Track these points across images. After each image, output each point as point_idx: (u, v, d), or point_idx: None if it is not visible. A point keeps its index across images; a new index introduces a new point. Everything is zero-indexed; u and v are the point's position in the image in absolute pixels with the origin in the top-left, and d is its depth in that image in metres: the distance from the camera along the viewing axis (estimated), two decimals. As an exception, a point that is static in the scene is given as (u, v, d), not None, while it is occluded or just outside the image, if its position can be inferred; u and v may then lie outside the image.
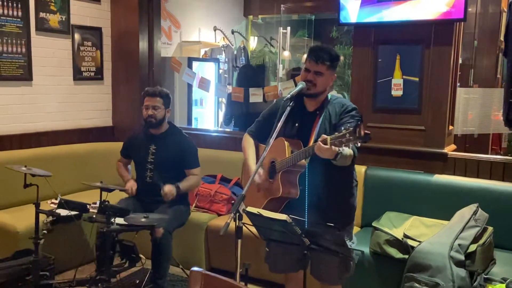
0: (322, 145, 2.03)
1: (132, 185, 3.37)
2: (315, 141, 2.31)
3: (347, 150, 2.09)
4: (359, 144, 1.95)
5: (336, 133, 2.01)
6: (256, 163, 2.46)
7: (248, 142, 2.68)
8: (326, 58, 2.35)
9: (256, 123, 2.71)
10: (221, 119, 6.31)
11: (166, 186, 3.16)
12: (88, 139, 4.65)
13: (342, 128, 1.99)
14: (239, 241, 2.08)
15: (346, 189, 2.48)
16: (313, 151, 2.15)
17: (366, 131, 1.92)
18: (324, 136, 2.07)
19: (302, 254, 1.96)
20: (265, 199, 2.47)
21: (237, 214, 2.04)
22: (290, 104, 2.33)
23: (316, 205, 2.38)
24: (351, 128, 1.93)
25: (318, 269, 2.47)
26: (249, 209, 2.04)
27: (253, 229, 2.15)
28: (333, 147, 2.00)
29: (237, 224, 2.06)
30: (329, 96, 2.47)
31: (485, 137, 4.87)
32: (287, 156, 2.35)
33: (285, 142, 2.39)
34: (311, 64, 2.37)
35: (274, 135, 2.25)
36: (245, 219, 2.10)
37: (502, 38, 4.27)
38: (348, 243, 2.45)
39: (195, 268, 1.50)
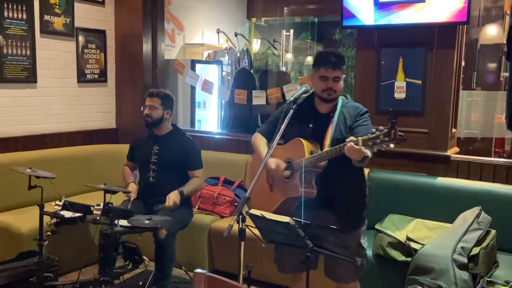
0: (355, 146, 2.04)
1: (133, 187, 3.38)
2: (332, 142, 2.34)
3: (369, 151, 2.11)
4: (392, 146, 1.94)
5: (368, 134, 2.02)
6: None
7: (259, 138, 2.67)
8: (341, 62, 2.39)
9: (267, 124, 2.71)
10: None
11: (169, 197, 3.16)
12: (92, 141, 4.68)
13: (375, 129, 1.98)
14: (242, 243, 2.09)
15: (360, 189, 2.51)
16: (340, 152, 2.16)
17: (400, 133, 1.91)
18: (353, 138, 2.08)
19: (305, 256, 1.97)
20: (280, 198, 2.46)
21: (240, 216, 2.05)
22: (293, 107, 2.34)
23: (329, 204, 2.39)
24: (386, 130, 1.93)
25: (332, 270, 2.48)
26: (252, 211, 2.05)
27: (256, 231, 2.16)
28: (363, 148, 2.00)
29: (240, 226, 2.07)
30: (341, 100, 2.49)
31: (488, 140, 4.87)
32: (306, 156, 2.35)
33: (304, 143, 2.39)
34: (329, 72, 2.36)
35: (278, 136, 2.27)
36: (248, 221, 2.11)
37: (505, 41, 4.27)
38: (362, 241, 2.49)
39: (199, 270, 1.50)
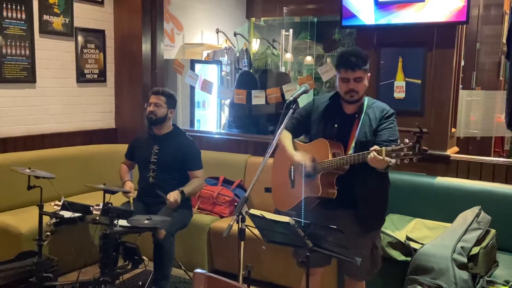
0: (378, 156, 2.05)
1: (130, 186, 3.38)
2: (356, 144, 2.35)
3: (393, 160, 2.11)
4: (415, 160, 1.94)
5: (393, 145, 2.03)
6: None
7: (285, 134, 2.60)
8: (362, 62, 2.35)
9: (292, 120, 2.62)
10: (223, 121, 6.33)
11: (171, 194, 3.16)
12: (91, 141, 4.67)
13: (399, 142, 1.99)
14: (242, 243, 2.09)
15: (382, 192, 2.50)
16: (363, 159, 2.17)
17: (424, 147, 1.91)
18: (376, 147, 2.08)
19: (305, 255, 1.96)
20: (300, 196, 2.46)
21: (240, 216, 2.05)
22: (293, 106, 2.33)
23: (351, 204, 2.40)
24: (411, 143, 1.93)
25: (347, 266, 2.48)
26: (252, 211, 2.05)
27: (256, 231, 2.16)
28: (386, 158, 2.00)
29: (240, 226, 2.07)
30: (367, 100, 2.47)
31: (488, 140, 4.87)
32: (329, 158, 2.35)
33: (327, 144, 2.39)
34: (349, 73, 2.34)
35: (277, 136, 2.28)
36: (248, 221, 2.11)
37: (504, 40, 4.28)
38: (377, 240, 2.52)
39: (199, 270, 1.50)
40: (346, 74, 2.34)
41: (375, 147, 2.10)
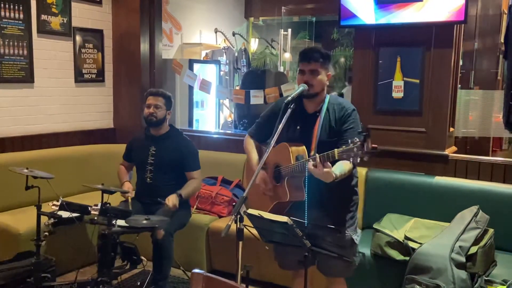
0: (316, 169, 2.09)
1: (128, 186, 3.38)
2: (318, 144, 2.34)
3: (346, 168, 2.16)
4: (366, 158, 1.95)
5: (343, 146, 2.03)
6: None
7: (250, 143, 2.70)
8: (317, 56, 2.39)
9: (256, 125, 2.72)
10: (222, 120, 6.32)
11: (169, 199, 3.15)
12: (89, 141, 4.67)
13: (350, 141, 1.99)
14: (240, 243, 2.08)
15: (347, 187, 2.48)
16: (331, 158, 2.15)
17: (373, 145, 1.92)
18: (317, 155, 2.10)
19: (303, 256, 1.96)
20: (271, 202, 2.48)
21: (238, 216, 2.04)
22: (291, 106, 2.33)
23: (319, 205, 2.38)
24: (359, 142, 1.94)
25: (325, 265, 2.48)
26: (250, 211, 2.05)
27: (254, 231, 2.15)
28: (329, 170, 2.06)
29: (238, 226, 2.06)
30: (328, 97, 2.48)
31: (486, 139, 4.87)
32: (292, 162, 2.35)
33: (289, 148, 2.39)
34: (304, 65, 2.40)
35: (275, 137, 2.26)
36: (246, 221, 2.11)
37: (502, 40, 4.28)
38: (354, 236, 2.47)
39: (196, 270, 1.50)
40: (302, 66, 2.41)
41: (316, 155, 2.12)
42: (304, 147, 2.38)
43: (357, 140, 1.96)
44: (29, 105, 4.20)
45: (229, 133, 4.87)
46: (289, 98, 2.33)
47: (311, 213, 2.30)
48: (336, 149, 2.06)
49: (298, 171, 2.32)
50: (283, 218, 1.96)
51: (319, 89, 2.41)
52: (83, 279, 3.13)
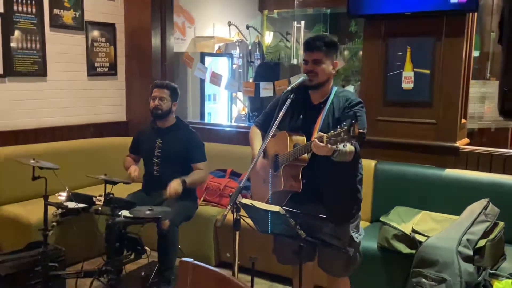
0: (318, 142, 2.03)
1: (135, 169, 3.33)
2: None
3: (348, 147, 2.08)
4: (357, 146, 1.92)
5: (332, 131, 2.00)
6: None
7: (255, 133, 2.68)
8: (321, 44, 2.34)
9: (263, 115, 2.70)
10: (235, 114, 6.32)
11: (172, 183, 3.14)
12: (102, 133, 4.72)
13: (338, 126, 1.97)
14: (237, 233, 2.08)
15: (348, 183, 2.44)
16: (310, 149, 2.14)
17: (361, 130, 1.90)
18: (321, 133, 2.05)
19: (298, 246, 1.95)
20: (269, 192, 2.46)
21: (235, 206, 2.04)
22: (291, 96, 2.31)
23: (318, 198, 2.36)
24: (346, 127, 1.91)
25: (325, 261, 2.47)
26: (244, 200, 2.04)
27: (250, 222, 2.14)
28: (329, 145, 1.98)
29: (234, 216, 2.06)
30: (335, 89, 2.43)
31: (504, 131, 4.74)
32: (288, 150, 2.33)
33: (287, 136, 2.37)
34: (308, 54, 2.37)
35: (274, 127, 2.24)
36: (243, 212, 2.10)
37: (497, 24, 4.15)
38: (355, 235, 2.43)
39: (185, 259, 1.50)
40: (306, 56, 2.38)
41: (319, 133, 2.07)
42: (304, 137, 2.35)
43: (344, 125, 1.93)
44: (42, 98, 4.26)
45: (239, 125, 4.86)
46: (289, 88, 2.31)
47: (310, 208, 2.28)
48: (324, 134, 2.03)
49: (294, 159, 2.29)
50: (275, 208, 1.94)
51: (323, 78, 2.37)
52: (90, 268, 3.17)
